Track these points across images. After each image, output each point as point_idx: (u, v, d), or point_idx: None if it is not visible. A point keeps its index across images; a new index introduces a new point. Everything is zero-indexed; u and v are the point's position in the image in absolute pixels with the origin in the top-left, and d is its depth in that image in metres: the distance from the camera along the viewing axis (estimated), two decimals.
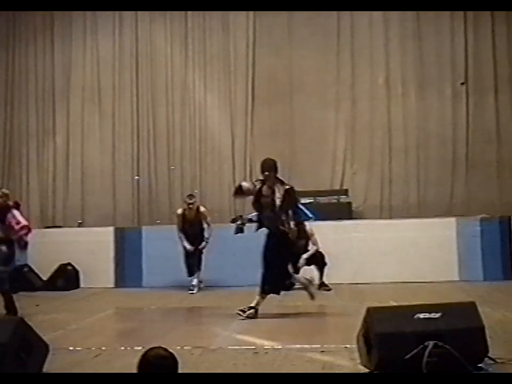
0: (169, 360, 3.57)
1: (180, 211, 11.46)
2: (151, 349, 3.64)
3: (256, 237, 8.32)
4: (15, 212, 8.97)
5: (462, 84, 13.82)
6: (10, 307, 8.59)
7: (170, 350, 3.63)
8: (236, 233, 8.48)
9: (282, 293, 8.51)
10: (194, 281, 11.15)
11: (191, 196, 11.61)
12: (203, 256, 11.31)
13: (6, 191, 9.16)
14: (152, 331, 7.70)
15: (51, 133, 15.27)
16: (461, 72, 13.86)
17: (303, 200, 12.90)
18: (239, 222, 8.55)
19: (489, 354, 5.25)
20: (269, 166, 8.23)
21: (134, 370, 3.56)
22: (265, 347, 6.28)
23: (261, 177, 8.34)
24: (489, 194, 13.40)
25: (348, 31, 14.27)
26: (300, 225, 10.56)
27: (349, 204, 13.22)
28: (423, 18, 13.95)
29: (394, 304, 7.89)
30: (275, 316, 8.63)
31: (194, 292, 11.06)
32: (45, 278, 12.38)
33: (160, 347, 3.66)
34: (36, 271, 12.43)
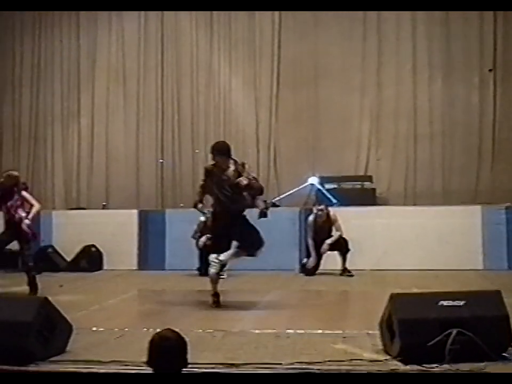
0: (176, 341, 3.59)
1: None
2: (159, 332, 3.66)
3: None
4: (25, 194, 9.05)
5: (490, 70, 13.62)
6: (33, 286, 8.86)
7: (178, 331, 3.64)
8: (260, 218, 8.40)
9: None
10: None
11: None
12: None
13: (14, 173, 9.16)
14: (175, 313, 7.74)
15: (76, 114, 15.32)
16: (488, 59, 13.65)
17: (327, 186, 12.93)
18: (262, 207, 8.48)
19: None
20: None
21: None
22: (287, 331, 6.27)
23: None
24: None
25: (374, 16, 14.07)
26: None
27: (373, 190, 13.16)
28: None
29: (417, 291, 7.85)
30: (297, 300, 8.64)
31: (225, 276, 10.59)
32: (69, 259, 12.47)
33: (168, 329, 3.67)
34: (60, 252, 12.52)
